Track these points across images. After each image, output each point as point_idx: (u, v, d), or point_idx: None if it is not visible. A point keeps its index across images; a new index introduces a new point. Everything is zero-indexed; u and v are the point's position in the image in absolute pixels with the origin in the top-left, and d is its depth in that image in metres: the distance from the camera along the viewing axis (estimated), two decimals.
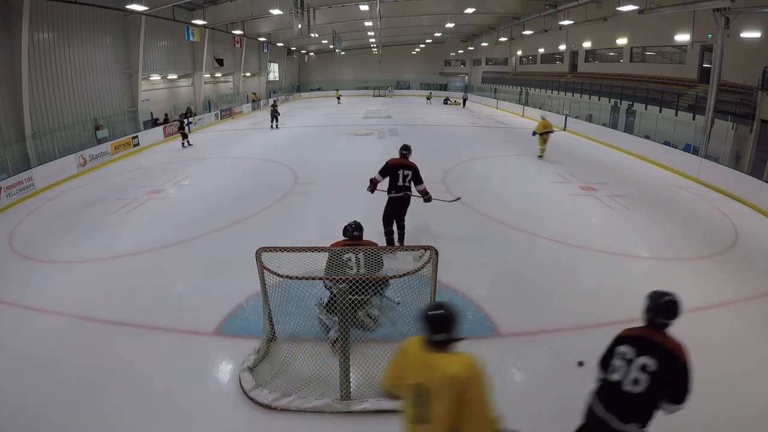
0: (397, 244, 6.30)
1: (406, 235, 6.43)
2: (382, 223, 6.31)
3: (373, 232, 5.95)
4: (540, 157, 13.06)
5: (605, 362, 2.59)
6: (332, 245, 4.40)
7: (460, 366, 2.04)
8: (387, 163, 6.16)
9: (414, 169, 6.13)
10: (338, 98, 36.10)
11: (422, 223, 7.75)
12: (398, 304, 4.45)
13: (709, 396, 3.70)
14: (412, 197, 6.27)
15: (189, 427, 3.45)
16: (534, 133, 13.06)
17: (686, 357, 2.37)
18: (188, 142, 16.70)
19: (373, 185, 6.28)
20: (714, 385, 3.83)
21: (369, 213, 8.23)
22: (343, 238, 4.70)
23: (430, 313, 2.13)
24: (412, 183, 6.14)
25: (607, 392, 2.52)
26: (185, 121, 17.29)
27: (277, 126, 20.22)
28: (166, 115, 21.53)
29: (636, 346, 2.45)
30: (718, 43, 12.13)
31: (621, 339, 2.57)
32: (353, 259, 4.25)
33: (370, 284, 4.21)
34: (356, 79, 44.48)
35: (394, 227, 6.34)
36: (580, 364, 3.33)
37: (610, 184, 10.33)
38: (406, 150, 6.27)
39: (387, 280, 4.45)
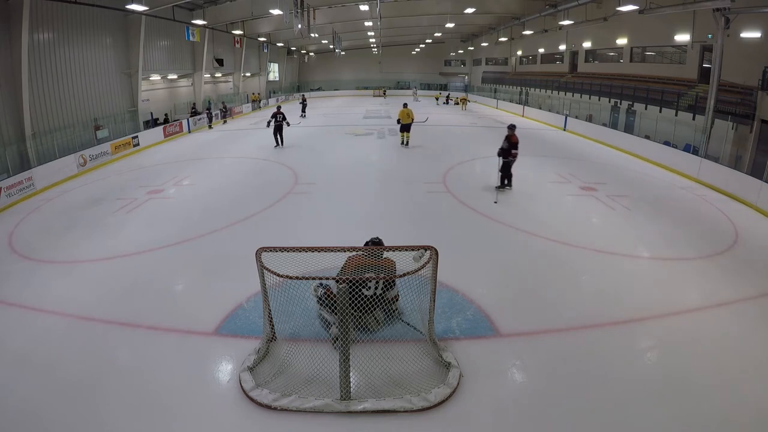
0: (280, 144, 15.03)
1: (406, 238, 6.51)
2: (273, 138, 14.94)
3: (376, 230, 5.94)
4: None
5: None
6: (350, 258, 4.35)
7: None
8: (272, 112, 14.64)
9: (282, 114, 14.72)
10: (384, 94, 40.00)
11: (422, 223, 7.78)
12: (421, 333, 4.36)
13: (708, 396, 3.72)
14: (284, 126, 15.09)
15: (189, 427, 3.45)
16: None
17: None
18: (225, 121, 23.36)
19: (268, 123, 14.92)
20: (713, 385, 3.84)
21: (368, 213, 8.31)
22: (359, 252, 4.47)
23: None
24: (283, 120, 14.76)
25: None
26: (224, 109, 23.65)
27: (223, 121, 23.39)
28: (166, 115, 21.54)
29: None
30: (718, 43, 12.12)
31: None
32: (373, 282, 4.24)
33: (381, 301, 4.31)
34: (356, 79, 44.46)
35: (278, 138, 14.98)
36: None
37: (610, 184, 10.33)
38: (280, 107, 14.99)
39: (397, 297, 4.58)
